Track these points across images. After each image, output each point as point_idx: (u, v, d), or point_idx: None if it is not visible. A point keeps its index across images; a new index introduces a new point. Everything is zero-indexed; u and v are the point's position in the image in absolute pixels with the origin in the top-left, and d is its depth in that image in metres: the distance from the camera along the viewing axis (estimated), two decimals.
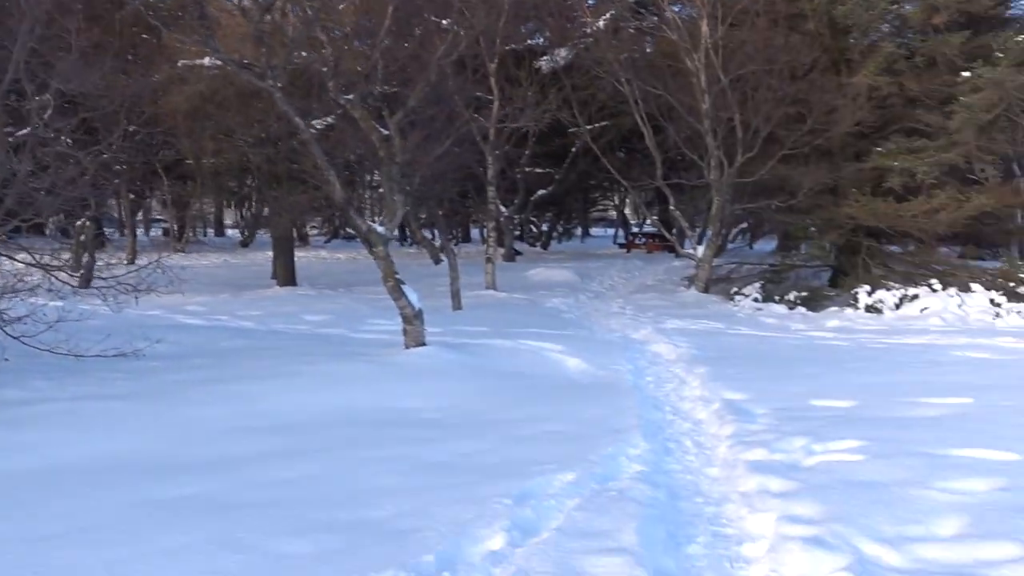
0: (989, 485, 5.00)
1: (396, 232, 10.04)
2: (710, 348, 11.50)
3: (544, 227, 43.62)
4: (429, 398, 8.24)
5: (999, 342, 12.15)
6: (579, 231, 55.00)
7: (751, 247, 36.28)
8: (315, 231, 48.32)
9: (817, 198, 17.82)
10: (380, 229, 9.91)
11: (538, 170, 28.98)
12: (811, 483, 5.22)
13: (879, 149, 17.03)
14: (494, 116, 19.02)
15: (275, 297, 17.03)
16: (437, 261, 26.47)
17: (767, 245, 35.17)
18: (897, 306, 15.95)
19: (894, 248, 19.08)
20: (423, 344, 10.32)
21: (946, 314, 14.91)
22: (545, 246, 40.68)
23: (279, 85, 9.25)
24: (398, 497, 5.14)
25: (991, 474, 5.20)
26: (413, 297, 10.26)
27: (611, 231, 52.55)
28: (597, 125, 25.46)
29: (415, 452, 6.24)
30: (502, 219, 28.12)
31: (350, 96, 9.89)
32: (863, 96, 17.01)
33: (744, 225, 34.31)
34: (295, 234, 23.89)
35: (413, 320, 10.23)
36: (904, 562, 4.00)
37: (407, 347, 10.26)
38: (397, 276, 10.22)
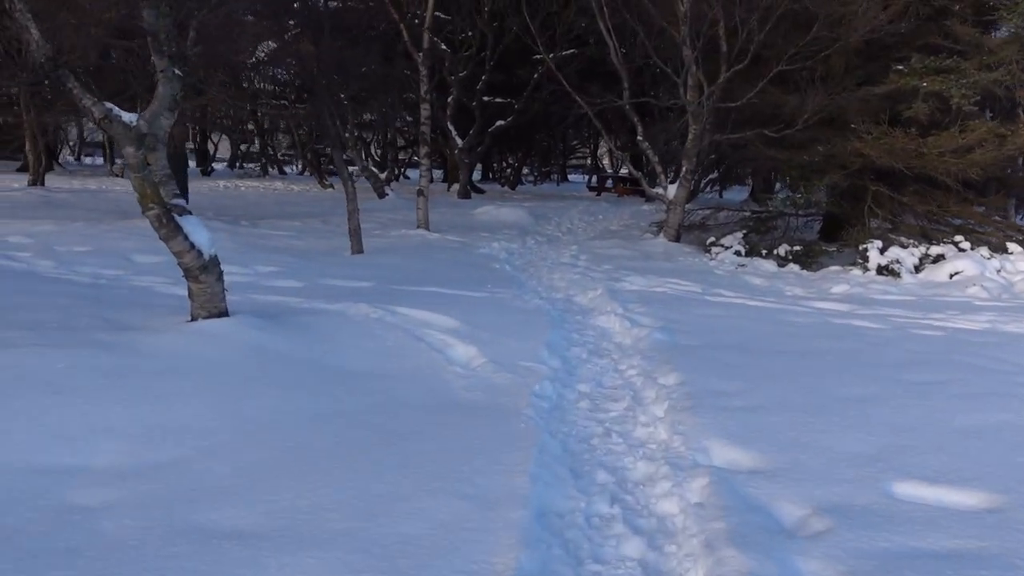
0: None
1: (164, 130, 5.24)
2: (683, 328, 6.92)
3: (514, 166, 38.81)
4: (148, 445, 3.74)
5: None
6: (556, 176, 50.76)
7: (720, 195, 31.72)
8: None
9: (814, 131, 13.11)
10: (127, 117, 5.18)
11: (498, 100, 24.04)
12: None
13: (899, 68, 12.29)
14: (429, 13, 13.99)
15: (134, 229, 12.27)
16: (381, 195, 21.74)
17: (737, 195, 30.67)
18: (917, 268, 11.40)
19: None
20: (222, 314, 5.70)
21: (986, 282, 10.36)
22: (513, 186, 35.85)
23: None
24: None
25: None
26: (201, 237, 5.61)
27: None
28: (562, 53, 20.63)
29: None
30: (456, 151, 23.34)
31: None
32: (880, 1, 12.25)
33: (714, 175, 29.61)
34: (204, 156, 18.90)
35: (200, 275, 5.60)
36: None
37: (194, 318, 5.64)
38: (175, 202, 5.54)
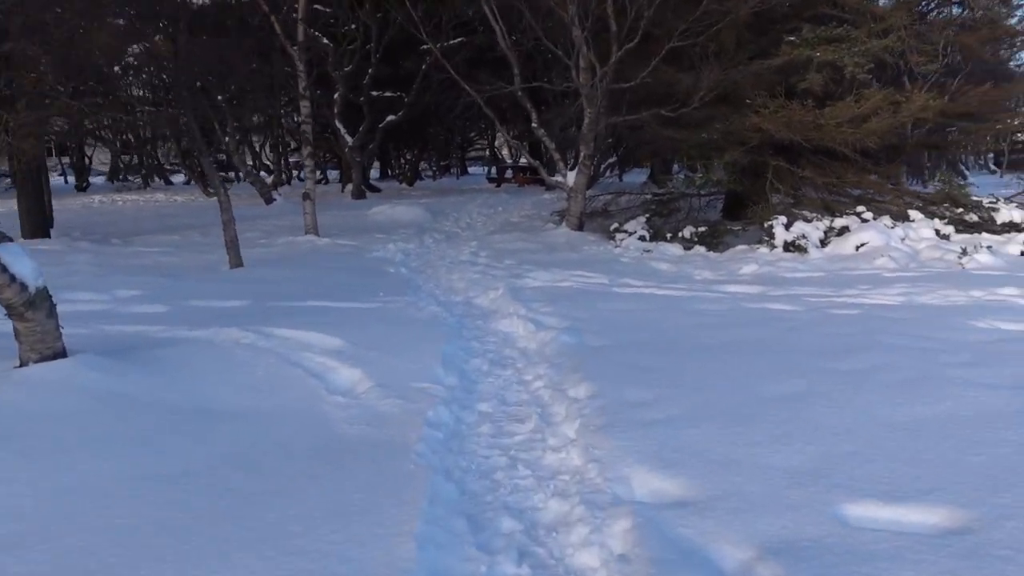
0: None
1: None
2: (592, 327, 6.39)
3: (411, 162, 37.90)
4: None
5: (1013, 299, 7.44)
6: (456, 169, 49.95)
7: (621, 179, 31.54)
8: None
9: (710, 109, 12.80)
10: None
11: (387, 94, 23.17)
12: None
13: (791, 39, 12.06)
14: (302, 4, 13.08)
15: None
16: (269, 200, 20.69)
17: (638, 178, 30.46)
18: (823, 242, 11.19)
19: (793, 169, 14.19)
20: (58, 354, 4.86)
21: (893, 252, 10.20)
22: (411, 182, 34.95)
23: None
24: None
25: None
26: (24, 267, 4.73)
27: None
28: (449, 43, 19.93)
29: None
30: (347, 150, 22.43)
31: None
32: None
33: (613, 159, 29.34)
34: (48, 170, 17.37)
35: (26, 312, 4.73)
36: None
37: (23, 363, 4.79)
38: None
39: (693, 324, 6.48)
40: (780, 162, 12.83)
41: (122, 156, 39.52)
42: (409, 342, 5.91)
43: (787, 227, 11.34)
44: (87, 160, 38.35)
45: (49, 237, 13.22)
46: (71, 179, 39.88)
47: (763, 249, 11.34)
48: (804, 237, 11.04)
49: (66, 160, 43.10)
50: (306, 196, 13.56)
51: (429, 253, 12.54)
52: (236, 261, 9.77)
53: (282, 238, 13.48)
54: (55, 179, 44.58)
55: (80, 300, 7.59)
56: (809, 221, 11.54)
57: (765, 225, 11.53)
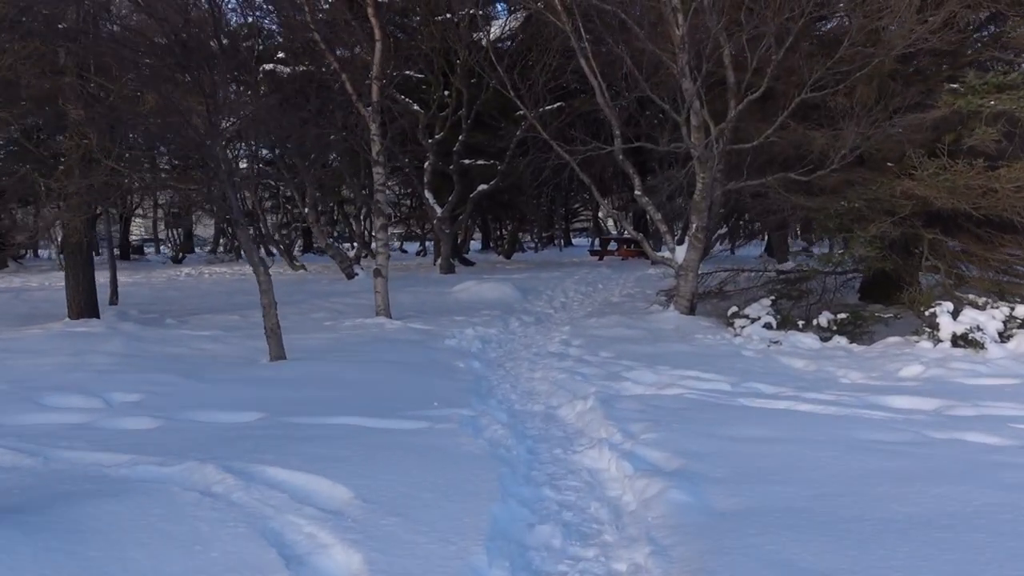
0: None
1: None
2: (714, 473, 4.51)
3: (510, 233, 36.66)
4: None
5: None
6: (559, 241, 48.83)
7: (732, 252, 29.33)
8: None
9: (846, 172, 10.81)
10: None
11: (479, 162, 21.88)
12: None
13: (953, 87, 10.03)
14: (376, 61, 11.82)
15: (14, 340, 9.89)
16: (350, 275, 19.48)
17: (750, 251, 28.15)
18: (1002, 335, 8.94)
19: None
20: None
21: None
22: (507, 255, 33.55)
23: None
24: None
25: None
26: None
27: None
28: (546, 108, 18.52)
29: None
30: (435, 221, 21.18)
31: None
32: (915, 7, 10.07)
33: (723, 229, 27.12)
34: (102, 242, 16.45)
35: None
36: None
37: None
38: None
39: (863, 471, 4.49)
40: (936, 234, 10.66)
41: (224, 228, 39.81)
42: (447, 495, 4.14)
43: (954, 315, 9.15)
44: (192, 232, 38.88)
45: (98, 317, 12.11)
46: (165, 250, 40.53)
47: (924, 343, 9.16)
48: (979, 329, 8.82)
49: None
50: (377, 273, 12.11)
51: (512, 340, 10.84)
52: (277, 352, 8.27)
53: (350, 320, 12.03)
54: (166, 250, 45.54)
55: (62, 408, 6.17)
56: (981, 308, 9.33)
57: (926, 312, 9.36)
